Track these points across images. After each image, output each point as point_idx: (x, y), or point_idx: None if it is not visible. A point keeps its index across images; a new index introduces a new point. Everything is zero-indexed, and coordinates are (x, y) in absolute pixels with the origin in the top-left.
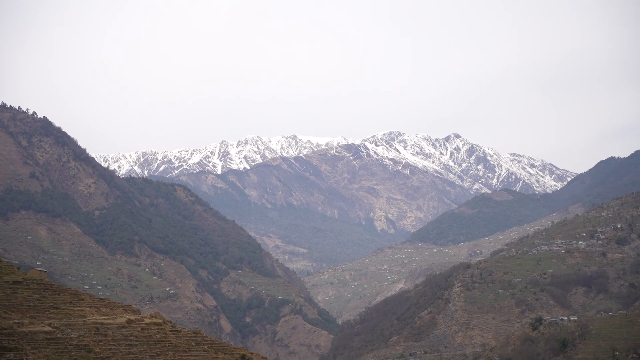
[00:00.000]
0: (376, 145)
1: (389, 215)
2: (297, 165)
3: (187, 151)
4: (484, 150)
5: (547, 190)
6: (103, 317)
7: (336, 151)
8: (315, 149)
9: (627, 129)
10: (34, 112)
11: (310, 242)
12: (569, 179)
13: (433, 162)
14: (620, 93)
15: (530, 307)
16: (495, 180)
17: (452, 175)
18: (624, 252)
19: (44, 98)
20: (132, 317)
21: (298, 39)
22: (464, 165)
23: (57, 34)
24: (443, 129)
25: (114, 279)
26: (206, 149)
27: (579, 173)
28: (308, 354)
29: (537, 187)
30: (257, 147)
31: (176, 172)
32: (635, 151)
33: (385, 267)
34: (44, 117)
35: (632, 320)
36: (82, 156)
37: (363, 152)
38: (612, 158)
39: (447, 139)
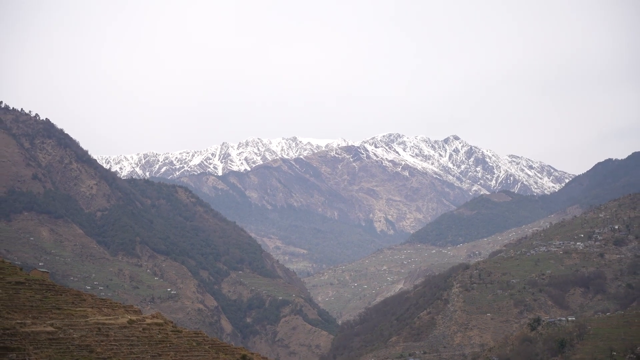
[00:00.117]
0: (376, 147)
1: (389, 217)
2: (298, 166)
3: (188, 153)
4: (482, 152)
5: (545, 191)
6: (105, 318)
7: (336, 153)
8: (316, 151)
9: (625, 130)
10: (37, 114)
11: (311, 243)
12: (567, 181)
13: (432, 163)
14: (619, 95)
15: (529, 308)
16: (493, 181)
17: (451, 177)
18: (622, 253)
19: (46, 100)
20: (134, 318)
21: (298, 40)
22: (462, 166)
23: (58, 35)
24: (442, 131)
25: (116, 279)
26: (207, 150)
27: (577, 175)
28: (308, 354)
29: (536, 188)
30: (258, 149)
31: (177, 173)
32: (633, 153)
33: (384, 267)
34: (46, 119)
35: (629, 321)
36: (84, 158)
37: (363, 154)
38: (610, 160)
39: (446, 140)
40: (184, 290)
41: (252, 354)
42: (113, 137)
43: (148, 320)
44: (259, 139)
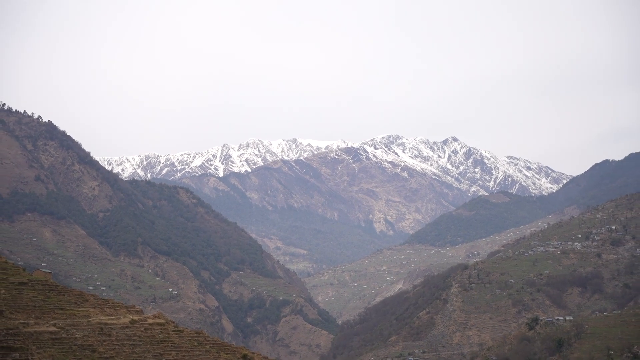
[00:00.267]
0: (375, 148)
1: (388, 217)
2: (298, 168)
3: (189, 154)
4: (481, 153)
5: (543, 192)
6: (107, 318)
7: (336, 154)
8: (316, 152)
9: (622, 132)
10: (39, 116)
11: (311, 243)
12: (564, 182)
13: (431, 165)
14: (618, 96)
15: (527, 307)
16: (492, 182)
17: (449, 178)
18: (619, 253)
19: (49, 102)
20: (136, 318)
21: (299, 42)
22: (461, 168)
23: (60, 36)
24: (441, 133)
25: (118, 280)
26: (208, 152)
27: (575, 176)
28: (308, 353)
29: (534, 189)
30: (259, 151)
31: (179, 175)
32: (630, 154)
33: (384, 268)
34: (48, 121)
35: (626, 320)
36: (86, 159)
37: (362, 155)
38: (607, 161)
39: (445, 142)
40: (186, 290)
41: (253, 353)
42: (115, 138)
43: (150, 320)
44: (259, 140)
